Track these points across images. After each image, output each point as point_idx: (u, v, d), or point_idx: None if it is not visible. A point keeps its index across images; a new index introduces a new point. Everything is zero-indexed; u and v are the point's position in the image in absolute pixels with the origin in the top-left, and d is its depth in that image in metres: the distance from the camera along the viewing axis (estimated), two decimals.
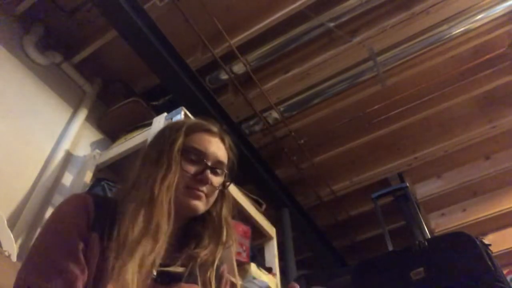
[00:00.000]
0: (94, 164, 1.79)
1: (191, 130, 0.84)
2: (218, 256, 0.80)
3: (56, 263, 0.63)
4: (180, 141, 0.80)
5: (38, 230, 0.75)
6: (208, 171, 0.80)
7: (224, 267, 0.87)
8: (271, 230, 2.15)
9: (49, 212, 1.61)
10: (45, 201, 1.60)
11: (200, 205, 0.79)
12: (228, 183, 0.87)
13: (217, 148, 0.85)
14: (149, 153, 0.83)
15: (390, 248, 1.97)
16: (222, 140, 0.88)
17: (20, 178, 1.59)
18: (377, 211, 2.21)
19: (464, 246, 1.50)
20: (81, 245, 0.66)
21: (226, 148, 0.88)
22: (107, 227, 0.69)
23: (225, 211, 0.86)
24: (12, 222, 1.44)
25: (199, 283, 0.76)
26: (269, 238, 2.13)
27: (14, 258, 1.19)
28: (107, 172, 1.83)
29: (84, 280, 0.63)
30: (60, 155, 1.75)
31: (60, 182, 1.73)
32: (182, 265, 0.75)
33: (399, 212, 2.73)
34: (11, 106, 1.67)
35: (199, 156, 0.81)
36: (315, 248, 3.03)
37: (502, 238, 3.12)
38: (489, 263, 1.41)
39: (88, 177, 1.74)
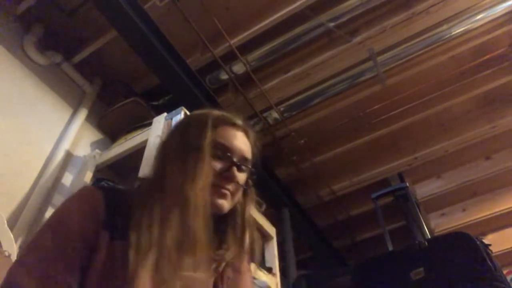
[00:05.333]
0: (94, 164, 1.79)
1: (217, 123, 0.80)
2: (244, 261, 0.78)
3: (53, 272, 0.60)
4: (209, 134, 0.75)
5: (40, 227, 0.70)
6: (235, 168, 0.76)
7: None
8: (271, 230, 2.15)
9: (49, 212, 1.61)
10: (45, 201, 1.60)
11: (225, 204, 0.75)
12: (252, 181, 0.83)
13: (243, 143, 0.81)
14: (173, 147, 0.77)
15: (390, 248, 1.97)
16: (247, 134, 0.85)
17: (20, 178, 1.59)
18: (377, 211, 2.21)
19: (464, 246, 1.50)
20: (82, 252, 0.63)
21: (250, 143, 0.84)
22: (120, 226, 0.65)
23: (247, 212, 0.81)
24: (12, 222, 1.44)
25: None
26: (269, 238, 2.13)
27: (14, 258, 1.19)
28: (107, 172, 1.83)
29: None
30: (60, 155, 1.75)
31: (60, 182, 1.73)
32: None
33: (399, 212, 2.73)
34: (11, 106, 1.67)
35: (225, 152, 0.77)
36: (315, 248, 3.03)
37: (502, 238, 3.12)
38: (489, 263, 1.41)
39: (88, 177, 1.74)
